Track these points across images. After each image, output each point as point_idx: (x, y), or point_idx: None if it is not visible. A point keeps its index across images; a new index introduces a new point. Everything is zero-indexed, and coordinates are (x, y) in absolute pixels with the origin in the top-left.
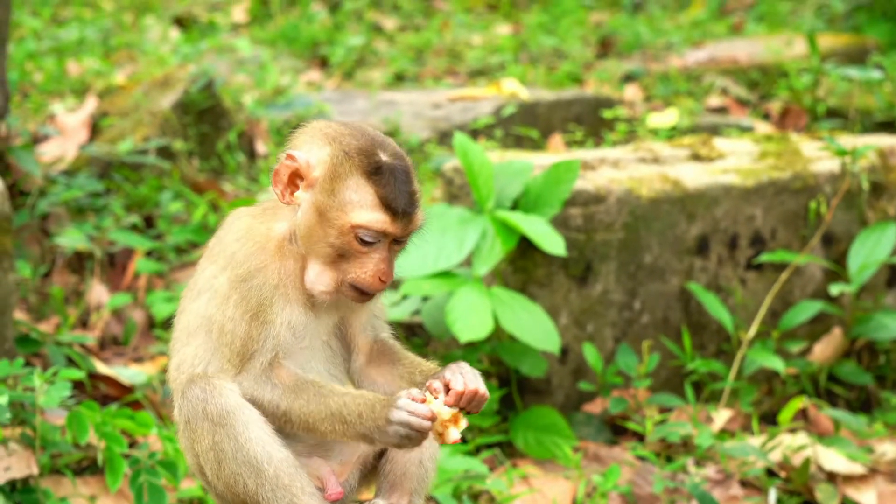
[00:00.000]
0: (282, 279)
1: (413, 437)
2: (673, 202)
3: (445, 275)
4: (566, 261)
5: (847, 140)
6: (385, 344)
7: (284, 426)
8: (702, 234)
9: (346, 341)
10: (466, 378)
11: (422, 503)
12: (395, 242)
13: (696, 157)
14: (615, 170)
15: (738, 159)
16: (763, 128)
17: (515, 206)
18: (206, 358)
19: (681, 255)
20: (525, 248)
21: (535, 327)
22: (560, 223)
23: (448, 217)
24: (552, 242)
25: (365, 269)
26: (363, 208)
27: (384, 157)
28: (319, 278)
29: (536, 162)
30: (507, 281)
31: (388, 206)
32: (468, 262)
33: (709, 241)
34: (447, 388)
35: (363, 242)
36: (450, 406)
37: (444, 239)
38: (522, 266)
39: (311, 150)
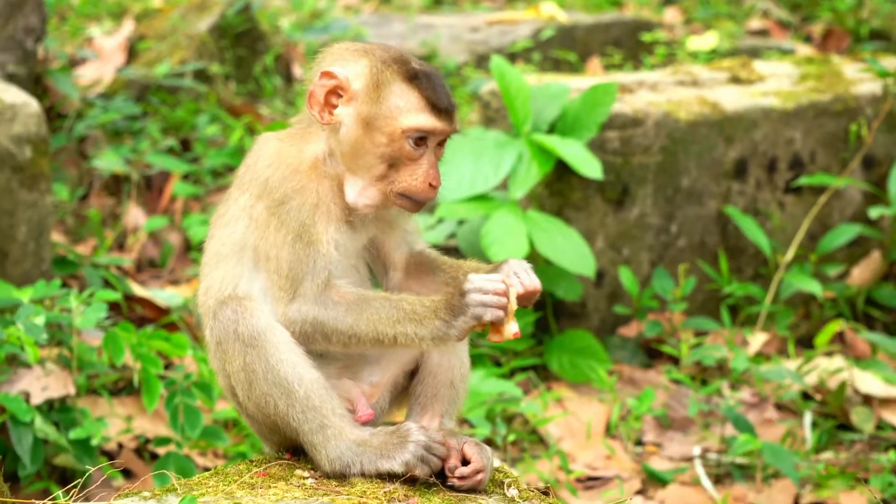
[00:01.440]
0: (321, 198)
1: (490, 302)
2: (711, 125)
3: (481, 198)
4: (602, 184)
5: (890, 62)
6: (422, 255)
7: (349, 342)
8: (740, 158)
9: (381, 260)
10: (521, 277)
11: (453, 424)
12: (438, 146)
13: (736, 80)
14: (653, 93)
15: (778, 82)
16: (804, 50)
17: (552, 129)
18: (234, 282)
19: (718, 178)
20: (561, 172)
21: (570, 251)
22: (597, 146)
23: (484, 140)
24: (589, 166)
25: (415, 175)
26: (411, 111)
27: (416, 65)
28: (364, 193)
29: (574, 85)
30: (544, 204)
31: (433, 105)
32: (504, 186)
33: (747, 165)
34: None
35: (415, 145)
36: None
37: (480, 162)
38: (559, 189)
39: (346, 65)
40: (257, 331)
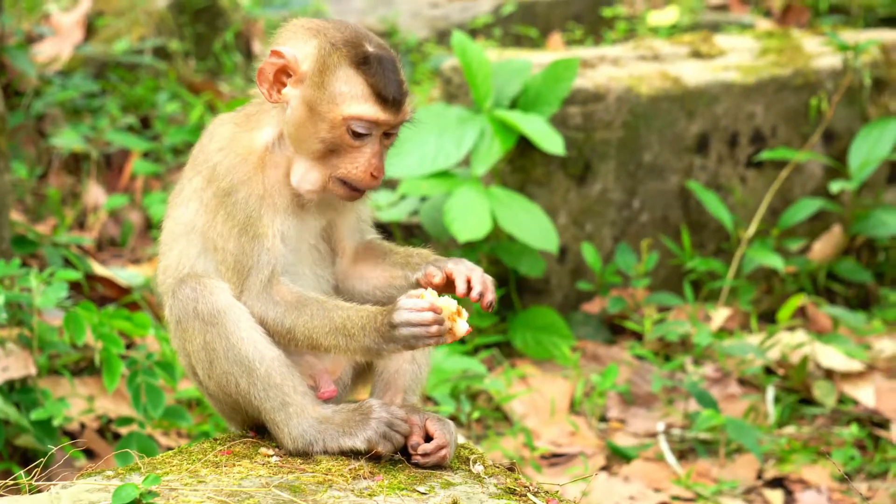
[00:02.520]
0: (267, 189)
1: (420, 334)
2: (673, 100)
3: (444, 174)
4: (565, 160)
5: (849, 36)
6: (373, 243)
7: (289, 344)
8: (702, 132)
9: (332, 246)
10: (467, 266)
11: (416, 400)
12: (386, 136)
13: (697, 55)
14: (615, 68)
15: (738, 56)
16: (764, 25)
17: (514, 105)
18: (190, 261)
19: (680, 153)
20: (524, 148)
21: (533, 227)
22: (559, 122)
23: (446, 116)
24: (551, 141)
25: (356, 164)
26: (354, 99)
27: (370, 48)
28: (306, 176)
29: (535, 61)
30: (506, 181)
31: (378, 94)
32: (467, 162)
33: (709, 139)
34: (448, 280)
35: (355, 135)
36: (458, 296)
37: (442, 138)
38: (521, 165)
39: (296, 45)
40: (217, 309)
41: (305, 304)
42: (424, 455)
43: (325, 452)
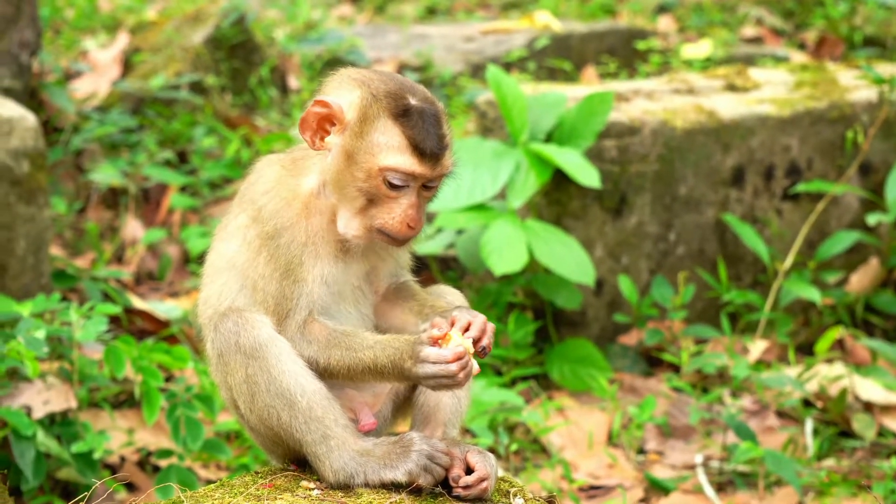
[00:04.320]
0: (310, 237)
1: (445, 385)
2: (708, 133)
3: (480, 208)
4: (601, 193)
5: (884, 68)
6: (403, 285)
7: (330, 378)
8: (737, 165)
9: (371, 287)
10: (470, 313)
11: (456, 433)
12: (425, 188)
13: (731, 88)
14: (649, 101)
15: (773, 89)
16: (798, 58)
17: (549, 138)
18: (232, 295)
19: (716, 186)
20: (559, 181)
21: (569, 260)
22: (594, 155)
23: (482, 150)
24: (586, 174)
25: (392, 214)
26: (391, 150)
27: (413, 101)
28: (350, 224)
29: (570, 94)
30: (542, 214)
31: (416, 147)
32: (503, 196)
33: (744, 172)
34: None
35: (391, 186)
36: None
37: (478, 172)
38: (557, 199)
39: (340, 94)
40: (258, 342)
41: (336, 343)
42: (466, 487)
43: (367, 485)
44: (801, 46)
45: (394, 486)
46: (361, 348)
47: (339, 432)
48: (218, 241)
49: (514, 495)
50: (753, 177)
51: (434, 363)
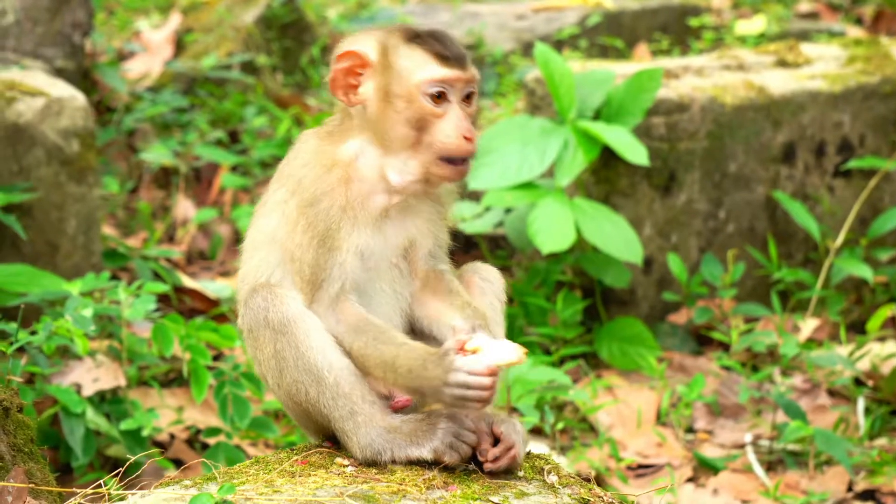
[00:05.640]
0: (349, 201)
1: (472, 397)
2: (758, 109)
3: (527, 186)
4: (649, 171)
5: None
6: (442, 274)
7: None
8: (788, 142)
9: (407, 266)
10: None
11: (491, 410)
12: (465, 102)
13: (783, 64)
14: (699, 78)
15: (825, 65)
16: (855, 33)
17: (598, 115)
18: (269, 270)
19: (766, 163)
20: (608, 159)
21: (617, 238)
22: (643, 132)
23: (530, 128)
24: (635, 152)
25: (446, 132)
26: (419, 66)
27: (421, 30)
28: (405, 169)
29: (619, 71)
30: (590, 192)
31: (439, 55)
32: (550, 174)
33: (795, 149)
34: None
35: (434, 100)
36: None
37: (525, 150)
38: (605, 176)
39: (356, 44)
40: (287, 318)
41: (364, 331)
42: (495, 460)
43: (394, 462)
44: (858, 21)
45: (420, 463)
46: (387, 343)
47: (366, 409)
48: (257, 217)
49: (548, 472)
50: (804, 153)
51: (469, 373)
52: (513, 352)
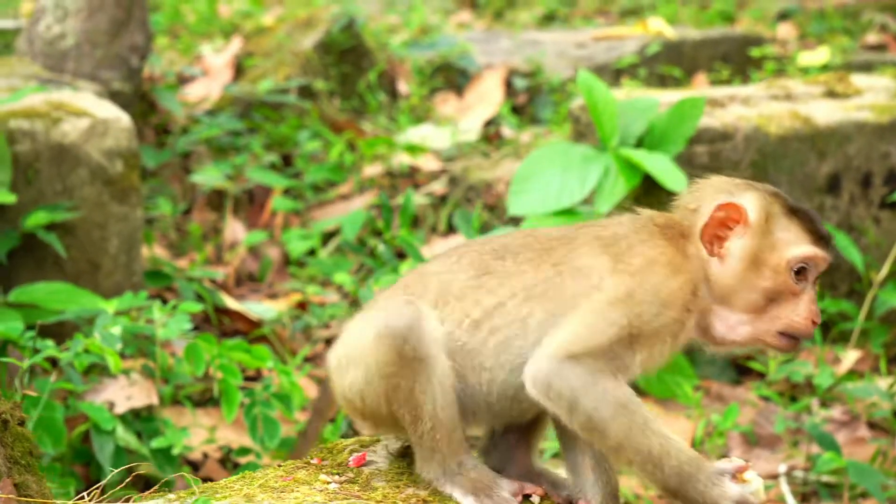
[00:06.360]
0: (682, 317)
1: None
2: (802, 139)
3: (568, 212)
4: None
5: None
6: None
7: (591, 433)
8: (833, 172)
9: None
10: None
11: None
12: (815, 283)
13: (831, 94)
14: (745, 107)
15: (875, 95)
16: None
17: (640, 143)
18: (535, 317)
19: (811, 193)
20: (649, 186)
21: None
22: (685, 161)
23: (572, 154)
24: (674, 179)
25: (797, 311)
26: (798, 243)
27: (791, 201)
28: (736, 329)
29: (664, 100)
30: None
31: (814, 233)
32: (591, 201)
33: (840, 179)
34: None
35: (798, 279)
36: None
37: (566, 176)
38: (647, 204)
39: (741, 199)
40: (419, 357)
41: (632, 412)
42: None
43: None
44: None
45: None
46: (657, 434)
47: (446, 452)
48: (546, 264)
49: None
50: (850, 184)
51: (735, 501)
52: (763, 492)
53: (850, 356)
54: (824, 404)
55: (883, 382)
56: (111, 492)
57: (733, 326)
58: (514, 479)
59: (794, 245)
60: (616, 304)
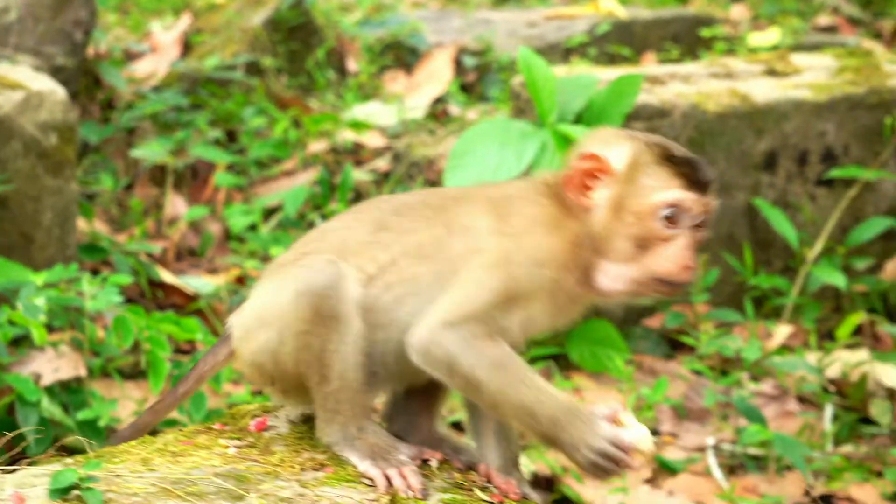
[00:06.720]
0: (560, 276)
1: (602, 470)
2: (740, 117)
3: None
4: None
5: None
6: None
7: (469, 393)
8: (770, 150)
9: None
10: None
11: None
12: (697, 230)
13: (771, 73)
14: (685, 84)
15: (814, 74)
16: (873, 47)
17: (579, 120)
18: (402, 258)
19: (748, 170)
20: None
21: None
22: None
23: (509, 130)
24: None
25: (668, 257)
26: (664, 188)
27: (675, 150)
28: (616, 278)
29: (606, 77)
30: None
31: (690, 179)
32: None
33: (777, 157)
34: None
35: (668, 224)
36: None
37: (503, 151)
38: None
39: (607, 150)
40: (335, 315)
41: (506, 367)
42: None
43: (342, 455)
44: (877, 36)
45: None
46: (531, 387)
47: (349, 415)
48: (440, 225)
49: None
50: (786, 161)
51: (610, 443)
52: (650, 441)
53: (781, 331)
54: (755, 378)
55: (813, 357)
56: (30, 459)
57: (614, 277)
58: (415, 445)
59: (660, 190)
60: (493, 268)
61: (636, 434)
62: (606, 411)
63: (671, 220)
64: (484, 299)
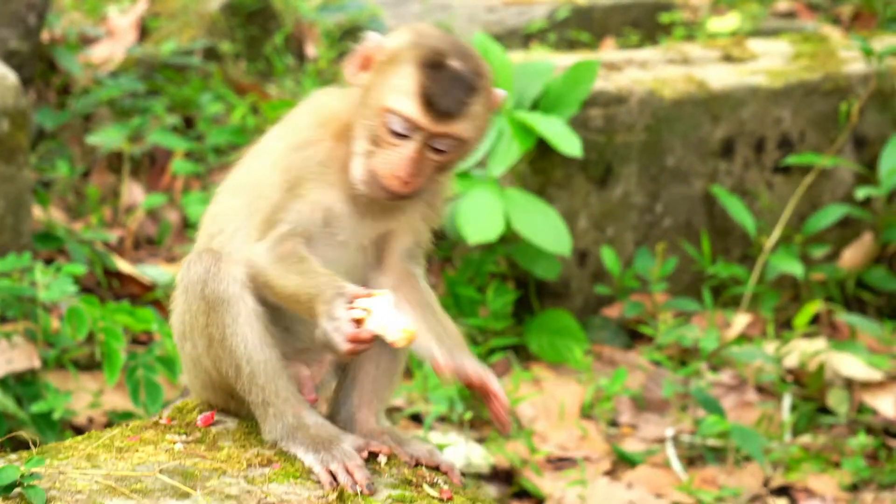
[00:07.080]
0: (330, 158)
1: (330, 349)
2: (697, 103)
3: (461, 175)
4: (586, 163)
5: (890, 41)
6: (417, 280)
7: (267, 296)
8: (727, 137)
9: (379, 257)
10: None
11: (382, 415)
12: (434, 150)
13: (728, 59)
14: (641, 70)
15: (770, 61)
16: (831, 33)
17: (535, 106)
18: (226, 221)
19: (705, 157)
20: (545, 150)
21: (547, 230)
22: (580, 124)
23: None
24: (568, 143)
25: (385, 159)
26: (400, 92)
27: (452, 62)
28: (356, 167)
29: (562, 63)
30: (527, 182)
31: (425, 96)
32: (485, 163)
33: (734, 144)
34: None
35: (392, 131)
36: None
37: None
38: (541, 168)
39: (392, 37)
40: (221, 297)
41: (285, 260)
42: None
43: (289, 451)
44: (836, 21)
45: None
46: (299, 273)
47: (278, 403)
48: (246, 158)
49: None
50: (743, 148)
51: (339, 326)
52: (397, 331)
53: (740, 320)
54: (714, 368)
55: (771, 346)
56: None
57: (355, 164)
58: (360, 437)
59: (395, 94)
60: (272, 167)
61: (379, 323)
62: (350, 293)
63: (396, 130)
64: (275, 198)
